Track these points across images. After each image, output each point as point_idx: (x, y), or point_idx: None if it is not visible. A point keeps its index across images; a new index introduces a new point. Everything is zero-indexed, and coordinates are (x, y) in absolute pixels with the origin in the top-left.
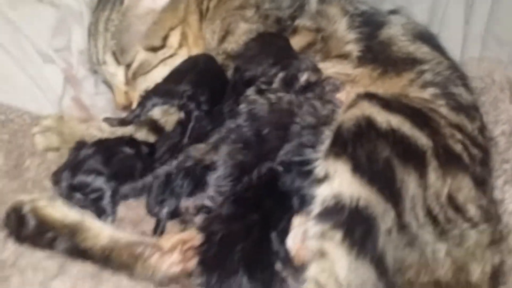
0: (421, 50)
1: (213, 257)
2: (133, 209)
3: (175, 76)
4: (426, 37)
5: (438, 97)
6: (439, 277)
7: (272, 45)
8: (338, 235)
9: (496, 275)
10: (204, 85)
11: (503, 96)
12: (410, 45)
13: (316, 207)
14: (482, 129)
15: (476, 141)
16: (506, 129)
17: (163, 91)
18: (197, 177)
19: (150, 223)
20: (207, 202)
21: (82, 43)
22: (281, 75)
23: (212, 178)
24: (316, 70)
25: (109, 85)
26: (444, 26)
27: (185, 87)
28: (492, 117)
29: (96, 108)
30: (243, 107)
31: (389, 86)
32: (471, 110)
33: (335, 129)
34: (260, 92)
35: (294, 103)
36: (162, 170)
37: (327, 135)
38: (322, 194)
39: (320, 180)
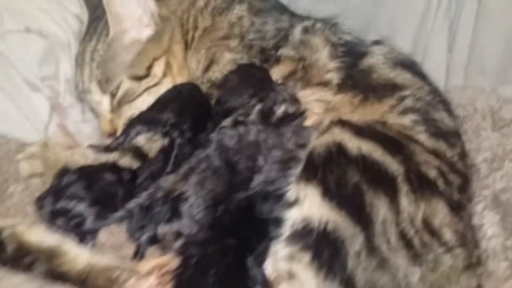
0: (402, 77)
1: (188, 280)
2: (115, 234)
3: (159, 104)
4: (407, 64)
5: (418, 123)
6: None
7: (251, 76)
8: (306, 257)
9: None
10: (187, 113)
11: (485, 124)
12: (391, 72)
13: (286, 230)
14: (463, 155)
15: (454, 167)
16: (488, 156)
17: (147, 119)
18: (174, 205)
19: (131, 248)
20: (183, 229)
21: (70, 72)
22: (258, 107)
23: (185, 208)
24: (294, 101)
25: (95, 112)
26: (427, 55)
27: (168, 115)
28: (474, 144)
29: (82, 135)
30: (213, 136)
31: (371, 112)
32: (451, 137)
33: (307, 154)
34: (236, 123)
35: (261, 135)
36: (133, 204)
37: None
38: (292, 217)
39: (291, 204)
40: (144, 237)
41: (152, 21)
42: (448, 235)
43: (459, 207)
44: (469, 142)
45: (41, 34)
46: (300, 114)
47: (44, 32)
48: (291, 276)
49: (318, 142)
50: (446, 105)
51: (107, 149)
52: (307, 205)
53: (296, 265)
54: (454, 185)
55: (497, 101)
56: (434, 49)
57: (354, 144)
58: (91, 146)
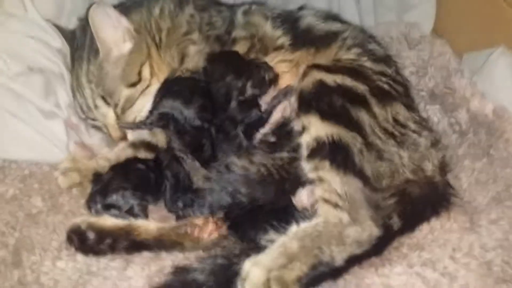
0: (335, 26)
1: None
2: (154, 212)
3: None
4: (333, 17)
5: (361, 55)
6: (407, 177)
7: (228, 62)
8: (326, 163)
9: (442, 166)
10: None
11: (402, 47)
12: (325, 25)
13: (304, 152)
14: (398, 71)
15: (396, 80)
16: (413, 70)
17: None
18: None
19: (172, 218)
20: None
21: (67, 98)
22: (249, 83)
23: None
24: (270, 68)
25: (97, 127)
26: (341, 9)
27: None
28: (399, 64)
29: (94, 146)
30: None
31: (326, 56)
32: (386, 59)
33: (297, 95)
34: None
35: None
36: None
37: None
38: (305, 140)
39: (300, 132)
40: (180, 205)
41: (128, 36)
42: (412, 125)
43: (410, 106)
44: None
45: (41, 70)
46: (277, 77)
47: (42, 68)
48: (320, 180)
49: (303, 84)
50: (373, 38)
51: (139, 125)
52: (313, 129)
53: (321, 172)
54: (401, 92)
55: (405, 27)
56: (345, 3)
57: (330, 79)
58: (123, 124)
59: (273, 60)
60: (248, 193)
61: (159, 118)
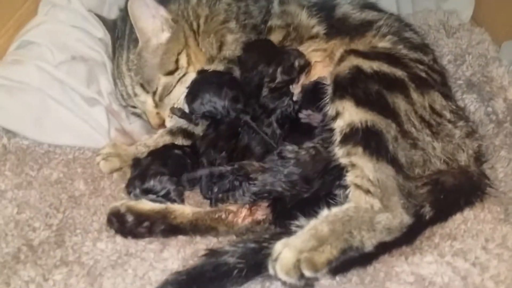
0: (371, 14)
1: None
2: (190, 198)
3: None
4: (370, 5)
5: (397, 43)
6: (439, 167)
7: (261, 50)
8: (359, 149)
9: (478, 156)
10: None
11: (440, 35)
12: (361, 14)
13: (336, 137)
14: (435, 59)
15: (433, 68)
16: (451, 58)
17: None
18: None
19: (206, 205)
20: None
21: (109, 86)
22: (279, 69)
23: None
24: (301, 55)
25: (136, 114)
26: None
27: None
28: (437, 53)
29: (134, 133)
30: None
31: (361, 45)
32: (423, 47)
33: (332, 80)
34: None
35: None
36: (199, 173)
37: None
38: (339, 126)
39: (334, 118)
40: (215, 190)
41: (167, 26)
42: (448, 114)
43: (447, 95)
44: None
45: (83, 59)
46: (308, 64)
47: (85, 56)
48: (352, 166)
49: (339, 69)
50: (409, 26)
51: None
52: (347, 114)
53: (353, 157)
54: (438, 81)
55: (444, 14)
56: None
57: (367, 65)
58: (173, 109)
59: (307, 49)
60: (301, 172)
61: (204, 114)
